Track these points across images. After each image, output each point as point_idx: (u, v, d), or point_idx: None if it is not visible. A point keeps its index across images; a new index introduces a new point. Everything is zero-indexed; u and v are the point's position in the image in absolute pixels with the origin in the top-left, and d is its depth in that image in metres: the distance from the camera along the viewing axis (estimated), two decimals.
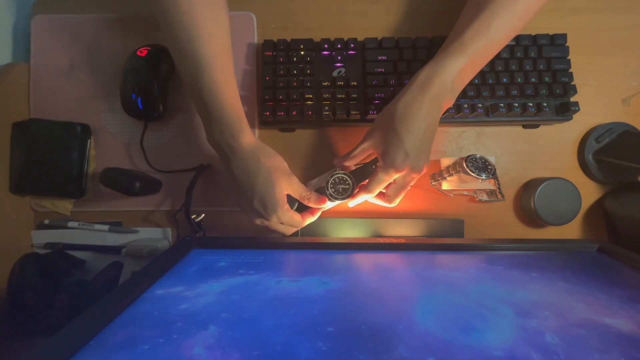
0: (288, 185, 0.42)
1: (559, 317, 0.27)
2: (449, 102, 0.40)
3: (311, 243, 0.44)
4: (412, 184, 0.43)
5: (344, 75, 0.49)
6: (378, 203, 0.45)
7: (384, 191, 0.44)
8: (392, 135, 0.39)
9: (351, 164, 0.45)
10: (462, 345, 0.24)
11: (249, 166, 0.41)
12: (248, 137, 0.41)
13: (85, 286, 0.47)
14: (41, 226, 0.51)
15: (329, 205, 0.45)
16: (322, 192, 0.47)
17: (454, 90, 0.40)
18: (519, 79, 0.47)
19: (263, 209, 0.41)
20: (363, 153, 0.43)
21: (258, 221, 0.43)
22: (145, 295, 0.31)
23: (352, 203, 0.46)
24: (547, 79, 0.47)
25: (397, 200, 0.44)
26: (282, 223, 0.43)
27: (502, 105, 0.47)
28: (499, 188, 0.46)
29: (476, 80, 0.47)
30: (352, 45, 0.49)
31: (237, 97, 0.41)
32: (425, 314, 0.28)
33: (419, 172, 0.41)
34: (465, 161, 0.45)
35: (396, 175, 0.41)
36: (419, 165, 0.40)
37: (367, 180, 0.44)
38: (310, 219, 0.46)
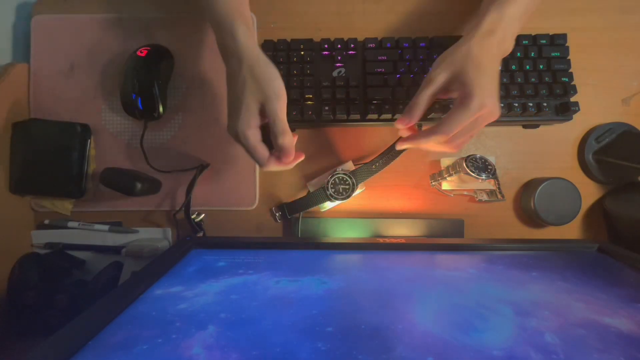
0: (266, 99, 0.38)
1: (559, 316, 0.27)
2: (509, 48, 0.40)
3: (311, 243, 0.44)
4: (478, 130, 0.39)
5: (344, 75, 0.49)
6: (437, 149, 0.41)
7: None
8: (474, 75, 0.37)
9: (419, 116, 0.40)
10: (461, 345, 0.24)
11: (236, 67, 0.39)
12: (248, 41, 0.39)
13: (85, 286, 0.47)
14: (41, 226, 0.51)
15: (291, 165, 0.41)
16: (322, 192, 0.47)
17: (513, 35, 0.40)
18: (519, 79, 0.47)
19: (231, 116, 0.39)
20: (431, 99, 0.40)
21: (232, 135, 0.40)
22: (145, 295, 0.31)
23: (405, 145, 0.42)
24: (547, 79, 0.47)
25: (462, 147, 0.41)
26: (243, 147, 0.40)
27: (502, 105, 0.47)
28: (499, 188, 0.46)
29: None
30: (352, 45, 0.49)
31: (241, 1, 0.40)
32: (425, 314, 0.28)
33: (495, 116, 0.38)
34: (465, 161, 0.45)
35: (475, 117, 0.38)
36: (498, 108, 0.38)
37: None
38: (274, 166, 0.41)
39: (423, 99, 0.39)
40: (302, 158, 0.42)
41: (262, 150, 0.40)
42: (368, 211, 0.51)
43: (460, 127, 0.37)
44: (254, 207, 0.51)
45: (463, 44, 0.39)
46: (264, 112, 0.39)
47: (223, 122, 0.51)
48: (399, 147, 0.43)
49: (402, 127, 0.41)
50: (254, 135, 0.39)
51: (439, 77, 0.39)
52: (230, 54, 0.40)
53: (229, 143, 0.51)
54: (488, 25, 0.38)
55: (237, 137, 0.39)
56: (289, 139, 0.39)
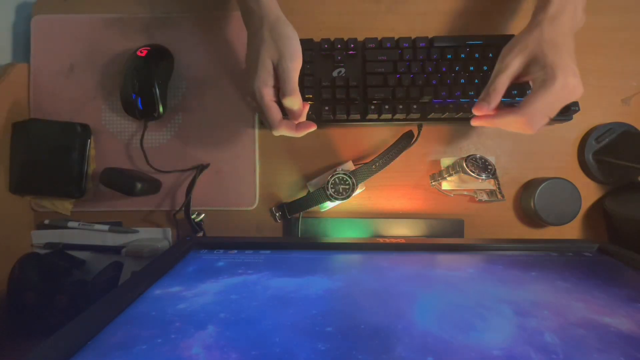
0: (281, 57, 0.38)
1: (559, 316, 0.27)
2: (580, 22, 0.41)
3: (311, 243, 0.44)
4: (557, 110, 0.39)
5: (344, 75, 0.49)
6: (513, 129, 0.40)
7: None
8: (553, 56, 0.37)
9: (497, 101, 0.40)
10: (461, 345, 0.24)
11: (257, 26, 0.39)
12: (270, 2, 0.40)
13: (85, 286, 0.47)
14: (41, 226, 0.51)
15: (302, 132, 0.41)
16: (322, 192, 0.47)
17: (583, 8, 0.40)
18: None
19: (248, 74, 0.39)
20: (508, 84, 0.40)
21: (249, 94, 0.40)
22: (145, 296, 0.31)
23: (480, 122, 0.42)
24: None
25: (539, 128, 0.40)
26: (256, 105, 0.40)
27: (502, 105, 0.47)
28: (499, 188, 0.46)
29: (476, 80, 0.48)
30: (352, 45, 0.49)
31: None
32: (425, 314, 0.28)
33: (578, 94, 0.38)
34: (465, 161, 0.45)
35: (557, 98, 0.37)
36: (580, 86, 0.37)
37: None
38: (284, 129, 0.40)
39: (501, 83, 0.39)
40: (313, 128, 0.42)
41: (276, 111, 0.40)
42: (368, 211, 0.51)
43: (542, 108, 0.38)
44: (254, 207, 0.51)
45: (534, 27, 0.39)
46: (277, 73, 0.39)
47: (223, 122, 0.52)
48: (473, 123, 0.43)
49: (479, 114, 0.41)
50: (269, 94, 0.39)
51: (514, 61, 0.39)
52: (252, 15, 0.40)
53: (229, 143, 0.52)
54: (555, 6, 0.38)
55: (253, 94, 0.39)
56: (298, 101, 0.39)
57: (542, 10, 0.39)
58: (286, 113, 0.41)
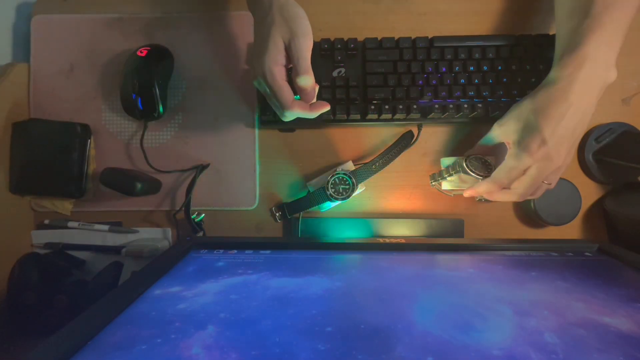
0: (293, 35, 0.37)
1: (559, 316, 0.27)
2: (608, 78, 0.38)
3: (311, 243, 0.44)
4: (550, 180, 0.40)
5: (344, 75, 0.49)
6: (499, 199, 0.42)
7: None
8: (528, 123, 0.37)
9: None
10: (461, 345, 0.24)
11: (266, 8, 0.38)
12: None
13: (85, 286, 0.47)
14: (41, 226, 0.51)
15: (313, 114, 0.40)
16: (322, 192, 0.47)
17: (607, 63, 0.37)
18: (519, 79, 0.47)
19: (257, 55, 0.38)
20: (486, 146, 0.42)
21: (259, 74, 0.39)
22: (145, 296, 0.31)
23: (469, 193, 0.44)
24: None
25: (526, 196, 0.41)
26: (268, 86, 0.38)
27: (502, 105, 0.47)
28: None
29: (476, 80, 0.48)
30: (352, 45, 0.49)
31: None
32: (425, 314, 0.28)
33: (556, 163, 0.37)
34: (466, 161, 0.45)
35: (528, 164, 0.38)
36: (559, 154, 0.37)
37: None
38: (297, 109, 0.39)
39: (480, 146, 0.43)
40: (327, 107, 0.40)
41: (288, 91, 0.38)
42: (368, 211, 0.51)
43: (508, 175, 0.39)
44: (254, 207, 0.51)
45: (526, 98, 0.39)
46: (289, 52, 0.38)
47: (223, 122, 0.52)
48: (466, 195, 0.45)
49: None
50: (280, 73, 0.38)
51: (495, 129, 0.41)
52: None
53: (229, 143, 0.52)
54: (556, 74, 0.37)
55: (264, 74, 0.38)
56: (311, 80, 0.38)
57: (549, 77, 0.38)
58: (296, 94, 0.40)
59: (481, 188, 0.42)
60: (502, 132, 0.41)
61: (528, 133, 0.37)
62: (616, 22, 0.37)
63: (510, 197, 0.41)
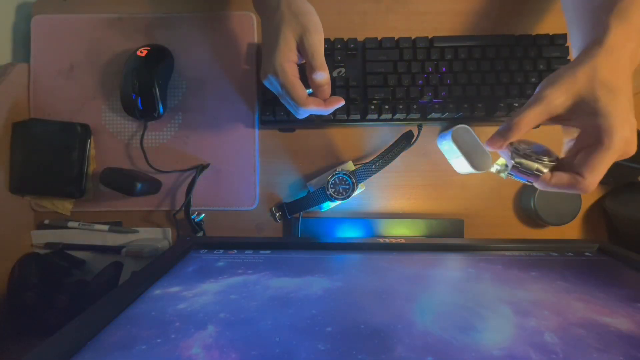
0: (305, 31, 0.36)
1: (559, 316, 0.27)
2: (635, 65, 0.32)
3: (311, 243, 0.44)
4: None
5: (344, 75, 0.49)
6: (562, 190, 0.34)
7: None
8: (609, 103, 0.30)
9: (517, 137, 0.34)
10: (461, 345, 0.24)
11: (274, 5, 0.37)
12: None
13: (85, 286, 0.47)
14: (41, 226, 0.51)
15: (329, 109, 0.38)
16: (322, 192, 0.47)
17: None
18: (519, 79, 0.47)
19: (268, 53, 0.37)
20: (539, 121, 0.33)
21: (270, 72, 0.38)
22: (145, 296, 0.31)
23: (544, 187, 0.34)
24: None
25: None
26: (280, 84, 0.37)
27: (502, 105, 0.47)
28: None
29: (476, 80, 0.48)
30: (352, 45, 0.49)
31: None
32: (424, 314, 0.28)
33: (632, 152, 0.31)
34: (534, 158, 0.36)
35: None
36: (635, 145, 0.31)
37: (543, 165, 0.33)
38: (312, 106, 0.38)
39: (532, 117, 0.32)
40: (342, 102, 0.39)
41: (301, 87, 0.37)
42: (368, 211, 0.52)
43: (605, 170, 0.31)
44: (254, 207, 0.51)
45: (586, 61, 0.31)
46: (302, 48, 0.37)
47: (223, 122, 0.52)
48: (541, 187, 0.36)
49: (492, 149, 0.36)
50: (292, 70, 0.37)
51: (557, 99, 0.32)
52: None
53: (229, 143, 0.52)
54: (613, 39, 0.31)
55: (276, 72, 0.37)
56: (327, 75, 0.37)
57: (597, 41, 0.31)
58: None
59: (568, 183, 0.33)
60: (562, 106, 0.32)
61: (618, 121, 0.30)
62: None
63: (577, 188, 0.33)
